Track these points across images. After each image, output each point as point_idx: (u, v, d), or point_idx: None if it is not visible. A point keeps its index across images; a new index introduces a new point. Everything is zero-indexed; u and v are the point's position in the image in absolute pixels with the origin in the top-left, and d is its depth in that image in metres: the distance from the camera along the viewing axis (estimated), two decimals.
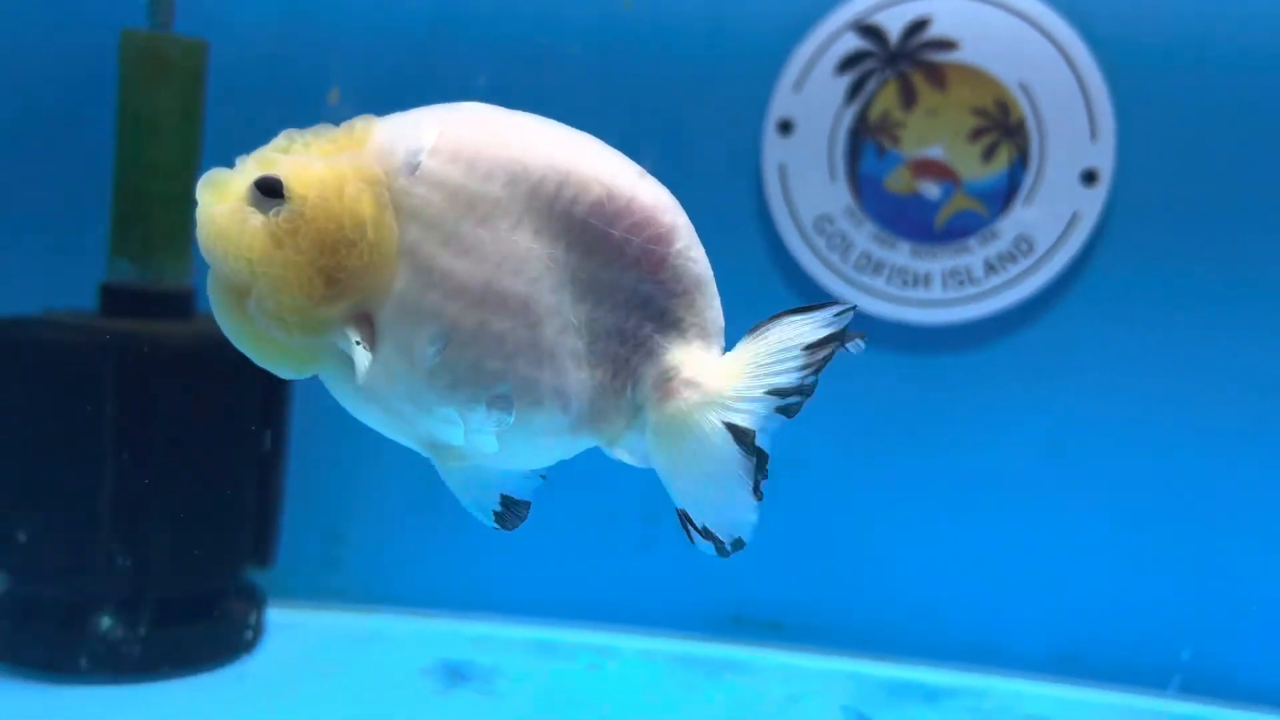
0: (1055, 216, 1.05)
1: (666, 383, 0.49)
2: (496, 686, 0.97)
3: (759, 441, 0.48)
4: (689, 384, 0.49)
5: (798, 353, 0.49)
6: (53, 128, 1.00)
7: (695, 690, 1.01)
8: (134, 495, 0.89)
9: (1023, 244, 1.06)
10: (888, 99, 1.07)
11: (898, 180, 1.07)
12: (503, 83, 1.07)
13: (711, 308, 0.52)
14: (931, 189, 1.07)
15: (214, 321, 0.50)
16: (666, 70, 1.07)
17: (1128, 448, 1.06)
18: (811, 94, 1.07)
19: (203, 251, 0.48)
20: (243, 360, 0.51)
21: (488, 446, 0.49)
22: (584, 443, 0.51)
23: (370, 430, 0.53)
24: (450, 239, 0.47)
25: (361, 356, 0.47)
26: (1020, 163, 1.06)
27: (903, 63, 1.06)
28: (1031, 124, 1.05)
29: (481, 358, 0.47)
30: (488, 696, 0.95)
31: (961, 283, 1.07)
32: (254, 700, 0.91)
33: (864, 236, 1.08)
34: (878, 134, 1.07)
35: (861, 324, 1.06)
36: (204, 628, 0.95)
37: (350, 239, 0.47)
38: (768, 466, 0.49)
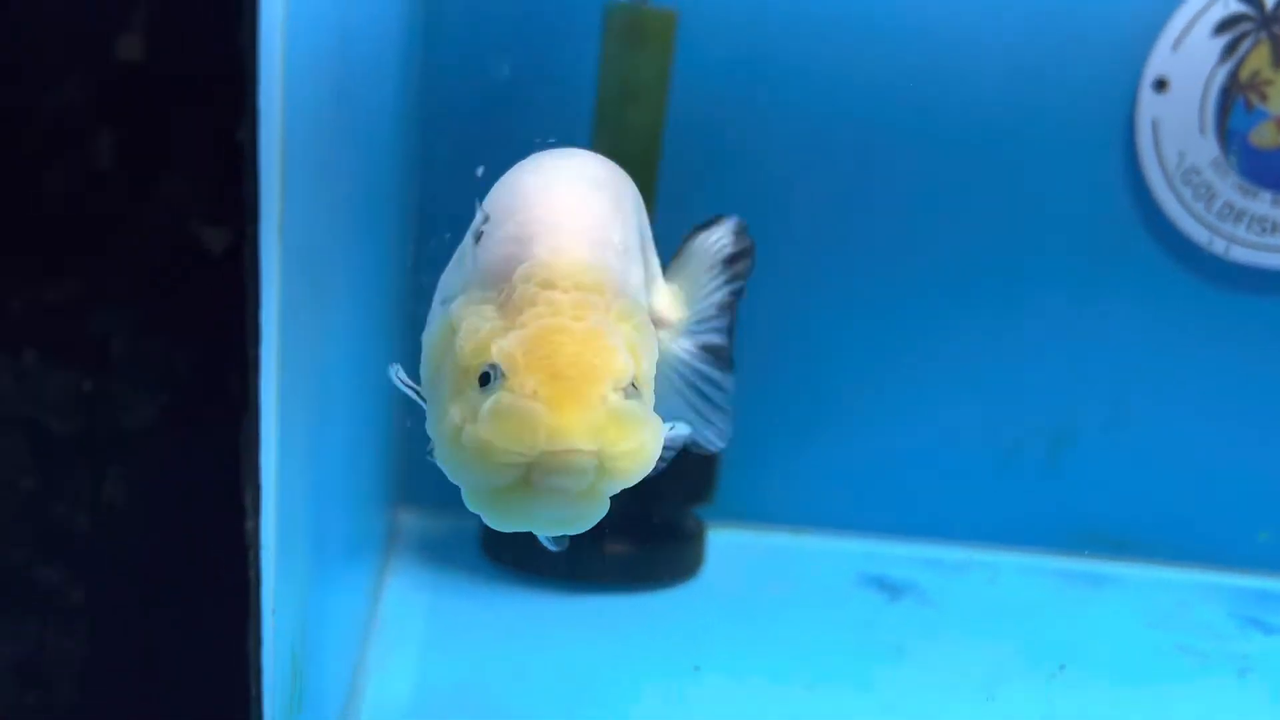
0: None
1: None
2: (930, 597, 1.08)
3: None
4: (660, 322, 0.55)
5: (721, 268, 0.57)
6: (536, 93, 1.08)
7: (1092, 602, 1.12)
8: None
9: None
10: (1260, 58, 1.14)
11: (1263, 135, 1.16)
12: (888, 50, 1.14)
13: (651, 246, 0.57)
14: None
15: None
16: (1050, 27, 1.14)
17: None
18: (1188, 53, 1.15)
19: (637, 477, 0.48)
20: None
21: None
22: None
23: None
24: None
25: None
26: None
27: (1277, 25, 1.13)
28: None
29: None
30: (930, 607, 1.06)
31: None
32: (736, 610, 1.02)
33: (1228, 186, 1.16)
34: (1247, 91, 1.15)
35: (1223, 270, 1.17)
36: (682, 547, 1.06)
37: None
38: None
